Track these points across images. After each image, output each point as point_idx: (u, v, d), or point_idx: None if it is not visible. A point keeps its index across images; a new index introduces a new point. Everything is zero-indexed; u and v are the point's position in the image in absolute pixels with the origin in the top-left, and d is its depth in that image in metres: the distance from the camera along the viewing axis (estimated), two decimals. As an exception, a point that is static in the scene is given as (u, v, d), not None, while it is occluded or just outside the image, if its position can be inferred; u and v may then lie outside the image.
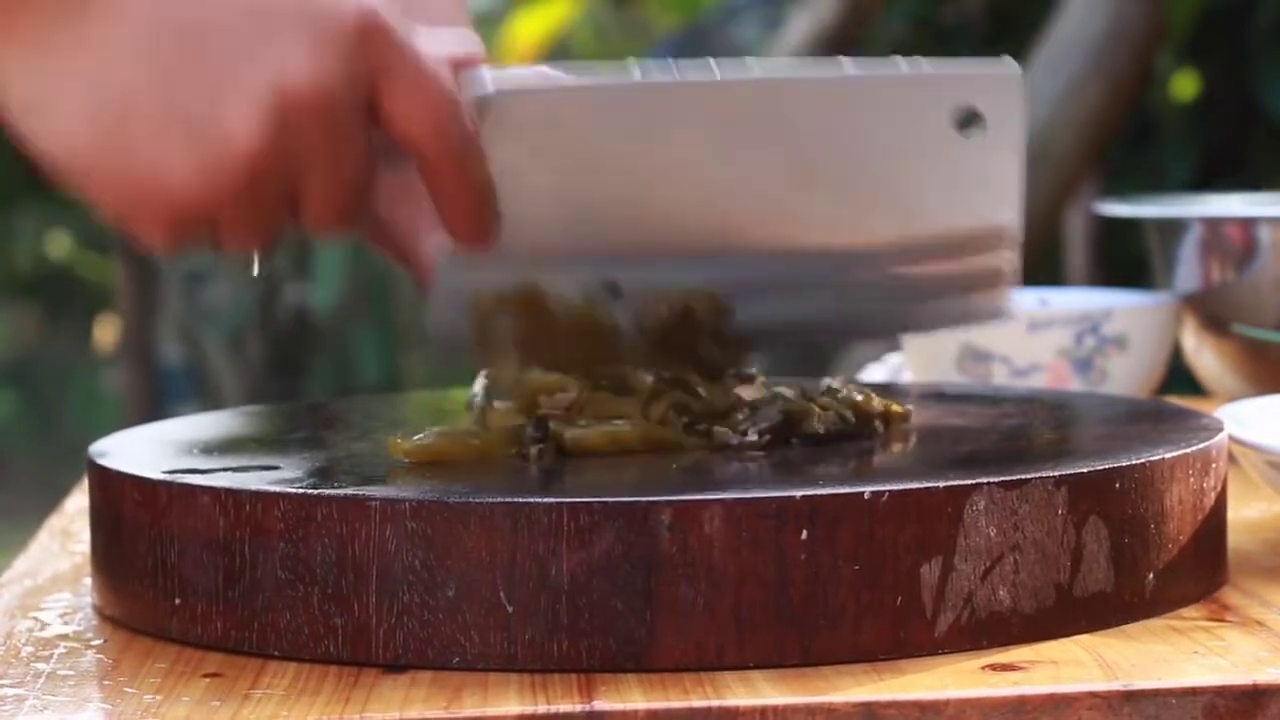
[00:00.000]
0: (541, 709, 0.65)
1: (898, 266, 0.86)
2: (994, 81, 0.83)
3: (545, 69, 0.81)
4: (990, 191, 0.85)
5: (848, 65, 0.81)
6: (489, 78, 0.77)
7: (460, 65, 0.77)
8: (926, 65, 0.82)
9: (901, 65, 0.81)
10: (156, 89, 0.70)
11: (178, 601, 0.74)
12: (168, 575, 0.75)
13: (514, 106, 0.77)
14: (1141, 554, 0.75)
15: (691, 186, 0.82)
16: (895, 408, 0.86)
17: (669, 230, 0.83)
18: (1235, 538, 0.85)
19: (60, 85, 0.70)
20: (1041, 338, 1.18)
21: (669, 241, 0.83)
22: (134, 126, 0.70)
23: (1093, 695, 0.66)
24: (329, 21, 0.71)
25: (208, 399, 5.43)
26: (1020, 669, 0.69)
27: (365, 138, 0.74)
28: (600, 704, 0.66)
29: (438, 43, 0.76)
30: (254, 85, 0.70)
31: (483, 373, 0.86)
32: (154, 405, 5.11)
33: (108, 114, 0.70)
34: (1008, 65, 0.82)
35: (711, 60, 0.80)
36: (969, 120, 0.82)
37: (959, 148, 0.82)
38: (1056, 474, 0.73)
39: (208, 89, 0.70)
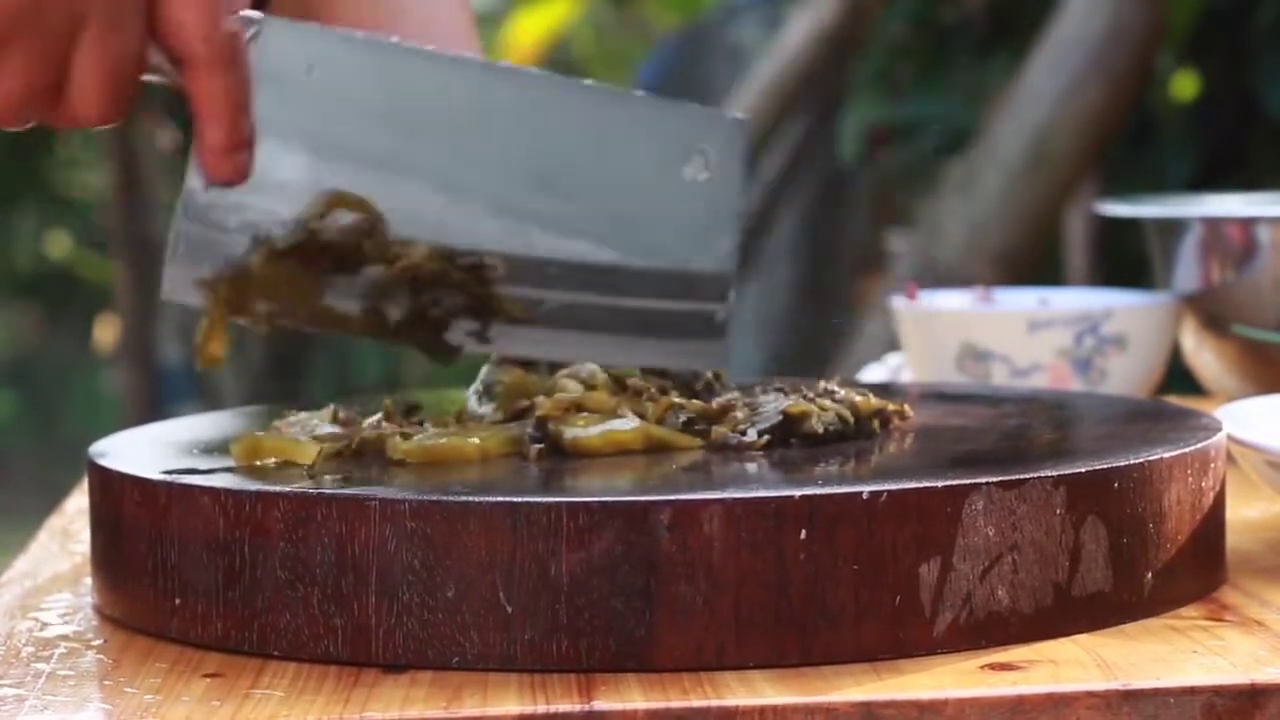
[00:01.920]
0: (541, 709, 0.65)
1: (613, 294, 0.87)
2: (721, 127, 0.88)
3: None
4: (706, 236, 0.88)
5: (592, 84, 0.87)
6: (255, 12, 0.81)
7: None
8: (663, 101, 0.88)
9: (640, 96, 0.87)
10: None
11: (178, 602, 0.74)
12: (168, 575, 0.75)
13: (274, 38, 0.81)
14: (1140, 554, 0.75)
15: (431, 163, 0.84)
16: (894, 408, 0.86)
17: (407, 201, 0.84)
18: (1234, 537, 0.85)
19: None
20: (1041, 338, 1.18)
21: (405, 210, 0.84)
22: None
23: (1091, 695, 0.66)
24: None
25: (208, 399, 5.42)
26: (1019, 669, 0.69)
27: (143, 24, 0.76)
28: (600, 704, 0.66)
29: None
30: None
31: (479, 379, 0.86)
32: (154, 405, 5.10)
33: None
34: (735, 114, 0.89)
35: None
36: (694, 162, 0.87)
37: (682, 188, 0.87)
38: (1055, 474, 0.73)
39: None
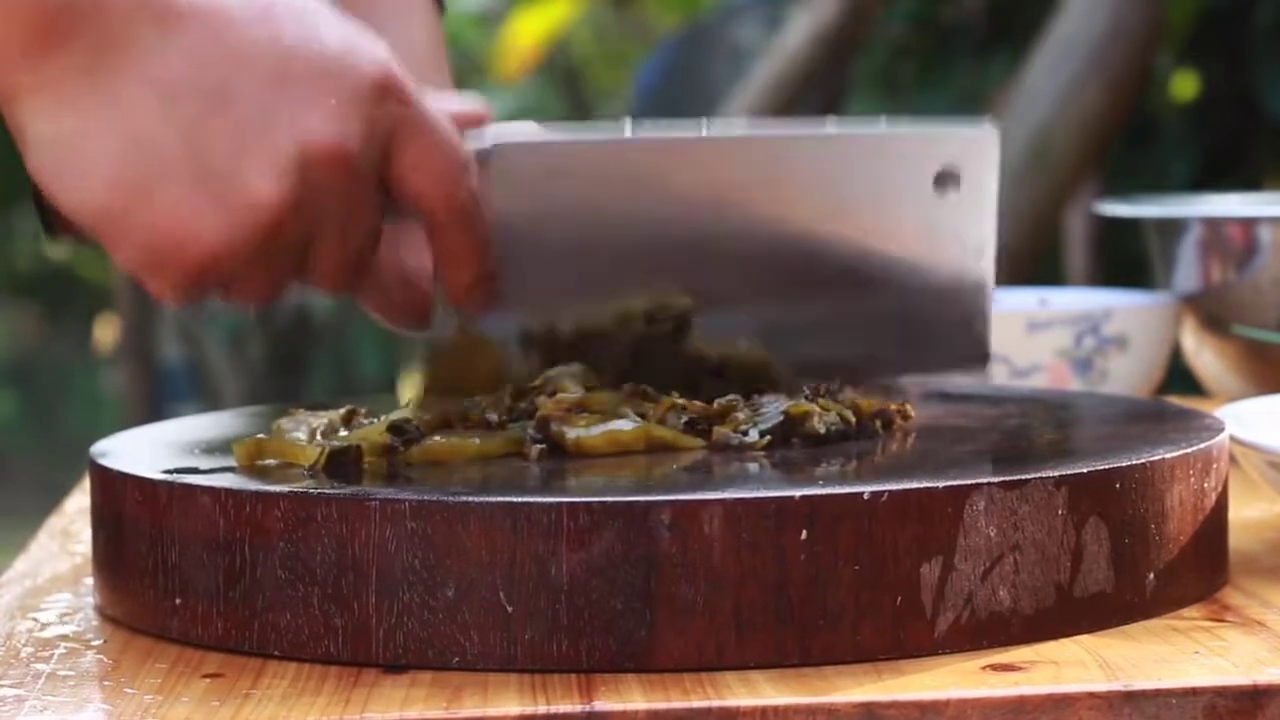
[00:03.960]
0: (541, 709, 0.65)
1: (874, 322, 0.88)
2: (972, 142, 0.88)
3: (539, 129, 0.84)
4: (966, 248, 0.89)
5: (831, 126, 0.86)
6: (488, 134, 0.80)
7: (464, 123, 0.80)
8: (907, 127, 0.88)
9: (883, 126, 0.87)
10: (184, 147, 0.72)
11: (178, 601, 0.74)
12: (168, 575, 0.75)
13: (513, 160, 0.80)
14: (1142, 554, 0.75)
15: (683, 242, 0.84)
16: (896, 408, 0.86)
17: (664, 285, 0.85)
18: (1236, 538, 0.85)
19: (88, 141, 0.72)
20: (1041, 338, 1.18)
21: (664, 295, 0.85)
22: (160, 183, 0.72)
23: (1093, 695, 0.66)
24: (348, 81, 0.74)
25: (208, 399, 5.43)
26: (1020, 669, 0.69)
27: (378, 197, 0.76)
28: (600, 704, 0.66)
29: (444, 102, 0.79)
30: (278, 145, 0.72)
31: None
32: (154, 405, 5.11)
33: (135, 170, 0.72)
34: (986, 128, 0.88)
35: (703, 121, 0.85)
36: (946, 180, 0.87)
37: (937, 207, 0.87)
38: (1056, 474, 0.73)
39: (233, 148, 0.72)
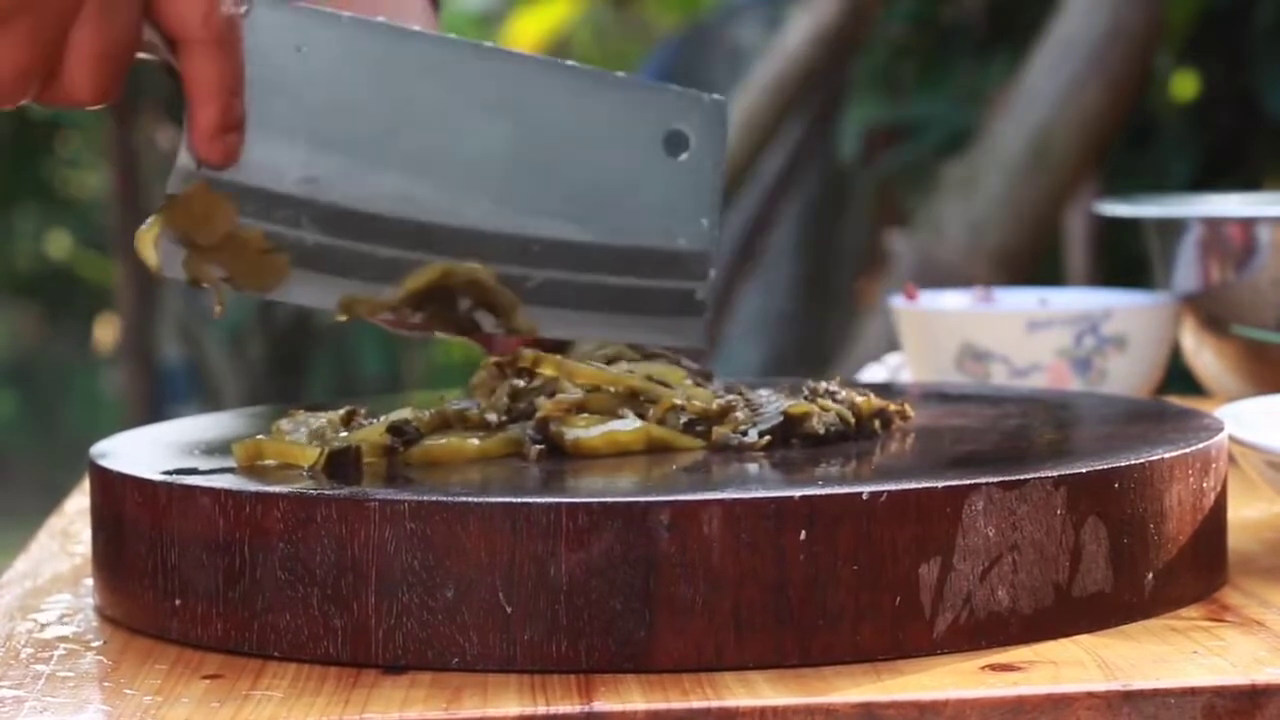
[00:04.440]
0: (541, 710, 0.65)
1: (594, 271, 0.88)
2: (702, 109, 0.88)
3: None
4: (686, 215, 0.89)
5: (576, 64, 0.87)
6: None
7: None
8: (645, 83, 0.89)
9: (623, 77, 0.88)
10: None
11: (178, 602, 0.74)
12: (168, 576, 0.75)
13: (265, 17, 0.81)
14: (1140, 554, 0.75)
15: (417, 141, 0.85)
16: (895, 408, 0.86)
17: (393, 180, 0.85)
18: (1235, 538, 0.85)
19: None
20: (1041, 338, 1.18)
21: (391, 190, 0.85)
22: None
23: (1091, 695, 0.66)
24: None
25: (208, 399, 5.43)
26: (1019, 669, 0.69)
27: (139, 6, 0.76)
28: (600, 705, 0.66)
29: None
30: None
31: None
32: (154, 405, 5.11)
33: None
34: (716, 99, 0.89)
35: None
36: (676, 143, 0.88)
37: (663, 168, 0.88)
38: (1055, 474, 0.73)
39: None
